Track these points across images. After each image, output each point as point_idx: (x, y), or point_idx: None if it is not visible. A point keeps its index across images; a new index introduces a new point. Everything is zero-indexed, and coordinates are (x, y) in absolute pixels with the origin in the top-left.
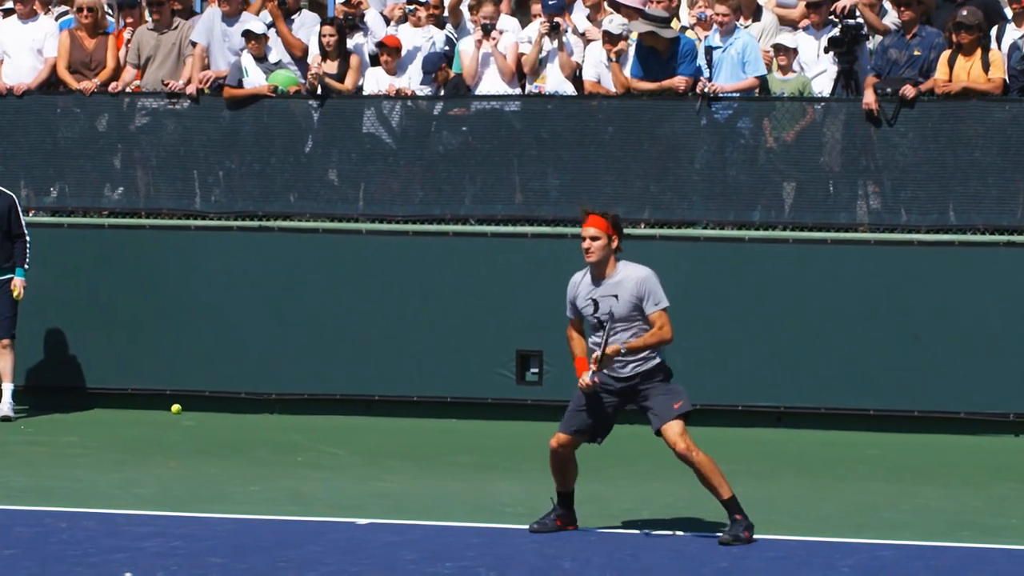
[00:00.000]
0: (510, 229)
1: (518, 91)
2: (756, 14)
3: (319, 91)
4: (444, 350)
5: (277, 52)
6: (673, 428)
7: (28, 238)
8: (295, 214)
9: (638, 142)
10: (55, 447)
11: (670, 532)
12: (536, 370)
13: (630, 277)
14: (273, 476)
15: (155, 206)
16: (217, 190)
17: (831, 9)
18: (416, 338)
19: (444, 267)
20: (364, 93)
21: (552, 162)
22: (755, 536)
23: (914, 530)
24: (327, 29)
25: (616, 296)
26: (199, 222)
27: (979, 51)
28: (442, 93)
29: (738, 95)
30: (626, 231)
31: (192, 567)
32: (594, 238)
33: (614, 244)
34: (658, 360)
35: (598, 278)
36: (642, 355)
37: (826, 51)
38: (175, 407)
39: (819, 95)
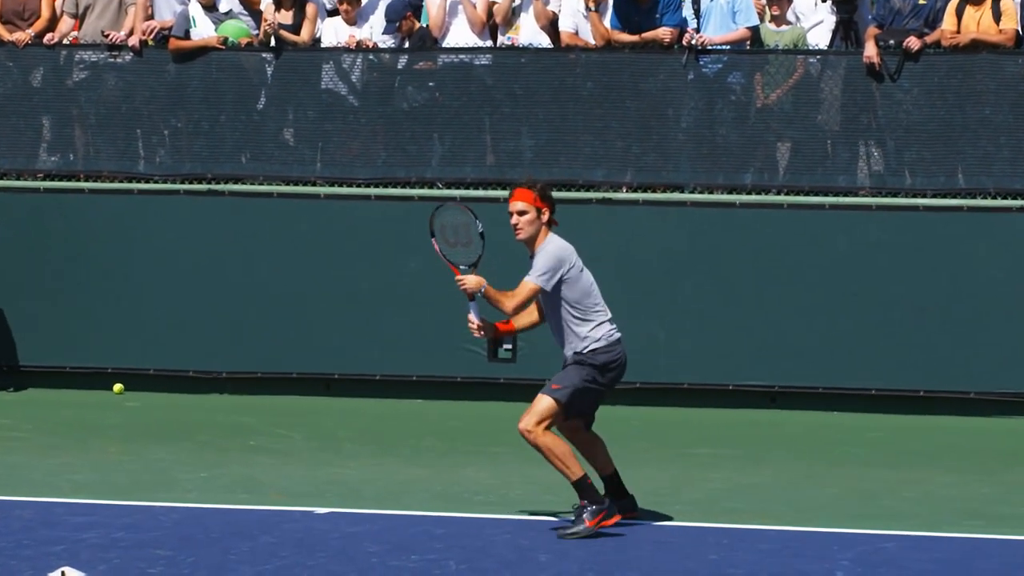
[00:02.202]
0: (481, 193)
1: (489, 43)
2: None
3: (272, 43)
4: (409, 325)
5: (227, 1)
6: (536, 403)
7: None
8: (247, 177)
9: (619, 99)
10: None
11: (655, 522)
12: (509, 347)
13: (541, 250)
14: (223, 462)
15: (94, 168)
16: (162, 151)
17: None
18: (379, 312)
19: (409, 234)
20: (322, 45)
21: (526, 120)
22: (612, 520)
23: (918, 519)
24: None
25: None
26: (142, 186)
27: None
28: (407, 45)
29: (728, 48)
30: (607, 195)
31: (136, 560)
32: (521, 212)
33: (544, 217)
34: (589, 347)
35: (530, 255)
36: (572, 337)
37: (823, 0)
38: (117, 387)
39: (816, 48)
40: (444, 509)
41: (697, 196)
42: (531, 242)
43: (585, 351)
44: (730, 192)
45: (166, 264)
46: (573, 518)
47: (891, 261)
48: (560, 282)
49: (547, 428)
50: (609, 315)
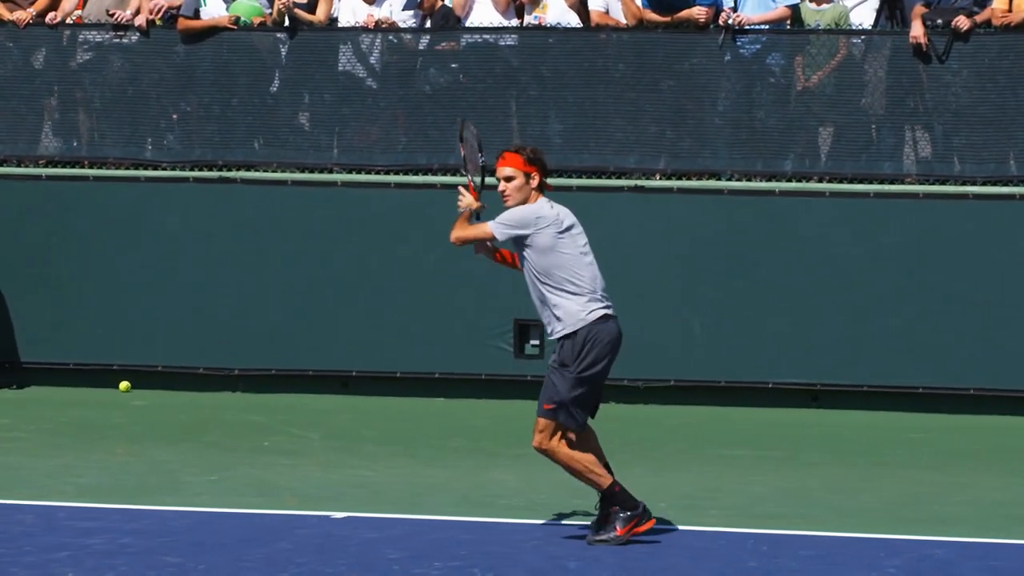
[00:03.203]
0: None
1: (515, 23)
2: None
3: (287, 23)
4: (431, 319)
5: None
6: (537, 421)
7: None
8: (260, 164)
9: (653, 81)
10: None
11: (691, 527)
12: (536, 342)
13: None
14: (235, 463)
15: (99, 154)
16: (170, 136)
17: None
18: (399, 306)
19: (431, 224)
20: (339, 25)
21: (554, 104)
22: (645, 526)
23: (968, 525)
24: None
25: None
26: (150, 173)
27: None
28: (428, 25)
29: (767, 27)
30: (640, 182)
31: (143, 567)
32: (508, 178)
33: (533, 182)
34: (568, 331)
35: None
36: (546, 314)
37: None
38: (123, 384)
39: (860, 27)
40: (469, 514)
41: (734, 183)
42: None
43: (559, 335)
44: (769, 179)
45: (174, 255)
46: (596, 517)
47: (939, 252)
48: (525, 245)
49: (561, 439)
50: (595, 294)
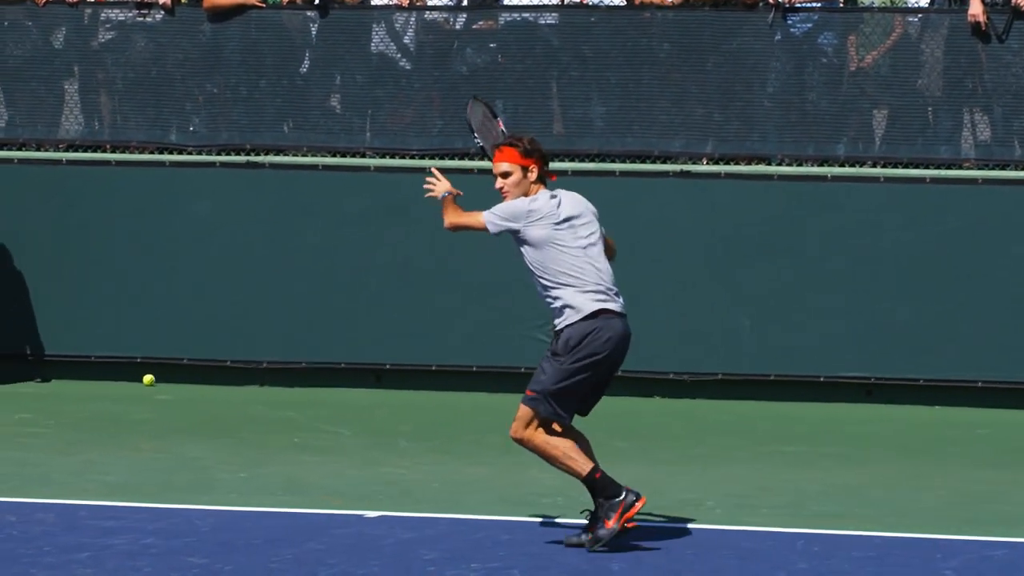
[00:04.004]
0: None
1: (556, 1)
2: None
3: (318, 1)
4: (468, 311)
5: None
6: (519, 410)
7: None
8: (289, 147)
9: (699, 62)
10: (3, 426)
11: (740, 527)
12: None
13: None
14: (264, 460)
15: (122, 138)
16: (196, 119)
17: None
18: (435, 296)
19: (469, 210)
20: (372, 3)
21: (597, 86)
22: (635, 508)
23: None
24: None
25: None
26: (175, 157)
27: None
28: (465, 3)
29: (819, 5)
30: (686, 167)
31: (168, 568)
32: (505, 174)
33: (532, 175)
34: (567, 323)
35: None
36: (546, 305)
37: None
38: (147, 378)
39: (916, 5)
40: (508, 513)
41: (785, 168)
42: None
43: (558, 327)
44: (821, 164)
45: (200, 243)
46: (587, 522)
47: (999, 240)
48: (519, 239)
49: (538, 428)
50: (599, 288)
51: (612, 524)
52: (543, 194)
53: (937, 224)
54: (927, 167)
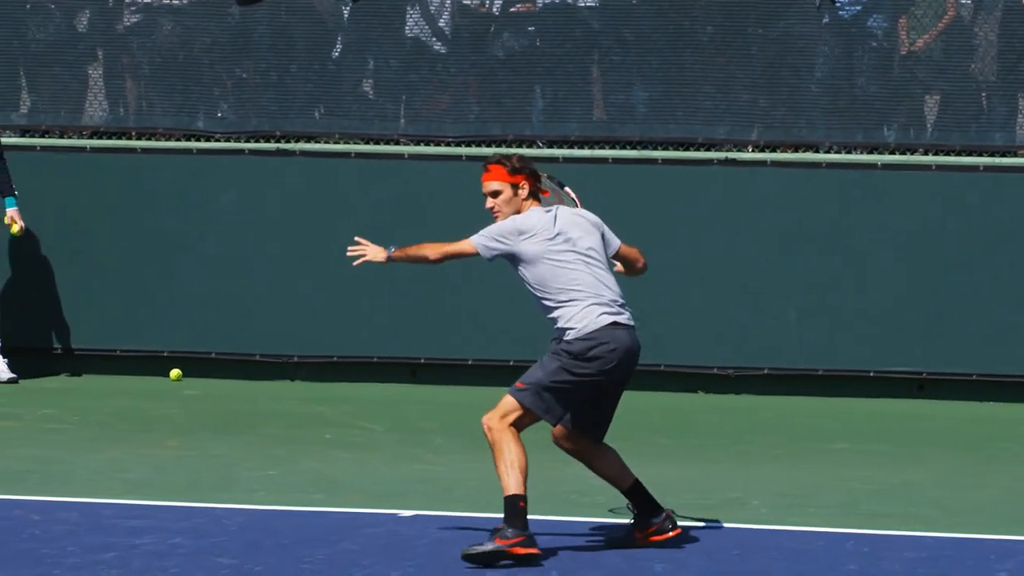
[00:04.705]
0: (587, 153)
1: None
2: None
3: None
4: (504, 304)
5: None
6: (502, 400)
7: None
8: (321, 134)
9: (744, 46)
10: (26, 422)
11: (786, 527)
12: None
13: None
14: (295, 457)
15: (148, 125)
16: (224, 105)
17: None
18: (470, 289)
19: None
20: None
21: (638, 70)
22: (526, 551)
23: None
24: None
25: None
26: (202, 144)
27: None
28: None
29: None
30: (730, 155)
31: (196, 569)
32: (495, 193)
33: (522, 192)
34: (574, 337)
35: None
36: (549, 321)
37: None
38: (174, 372)
39: None
40: (546, 512)
41: (833, 156)
42: None
43: (562, 337)
44: (871, 152)
45: (229, 233)
46: (633, 516)
47: None
48: (514, 259)
49: (511, 425)
50: (601, 300)
51: (501, 543)
52: (536, 210)
53: (990, 214)
54: (980, 155)
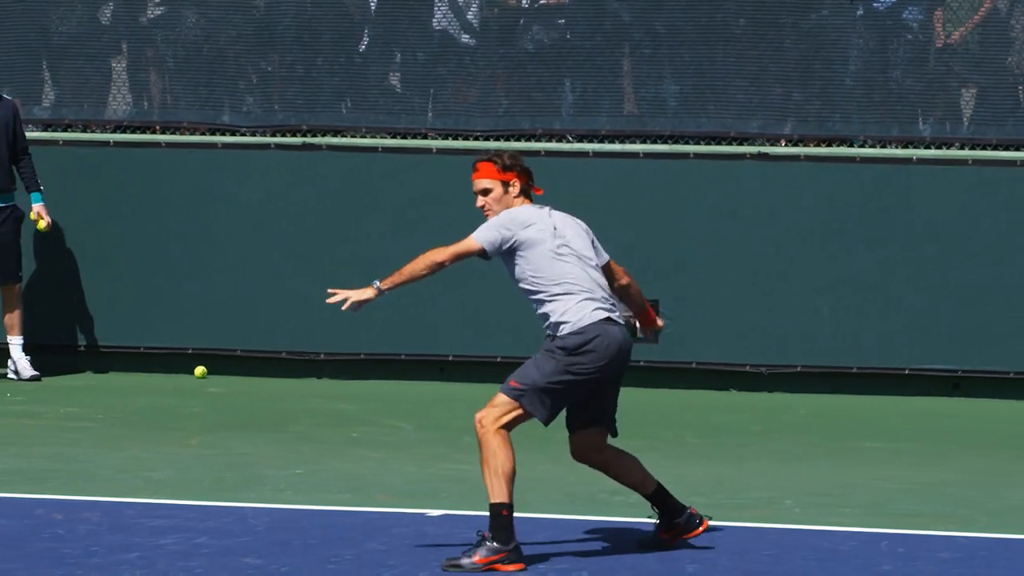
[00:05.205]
0: (617, 147)
1: None
2: None
3: None
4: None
5: None
6: (496, 397)
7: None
8: (348, 129)
9: (777, 38)
10: (49, 419)
11: (819, 527)
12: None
13: None
14: (321, 456)
15: (172, 119)
16: (250, 99)
17: None
18: (500, 285)
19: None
20: None
21: (669, 63)
22: (510, 567)
23: None
24: None
25: None
26: (227, 139)
27: None
28: None
29: None
30: (763, 149)
31: (221, 569)
32: (485, 191)
33: (513, 189)
34: (568, 332)
35: None
36: (541, 317)
37: None
38: (199, 370)
39: None
40: (577, 511)
41: (867, 150)
42: None
43: (555, 333)
44: (905, 146)
45: (254, 229)
46: (656, 522)
47: None
48: (513, 250)
49: (503, 427)
50: (593, 295)
51: (479, 561)
52: (530, 206)
53: None
54: (1018, 149)
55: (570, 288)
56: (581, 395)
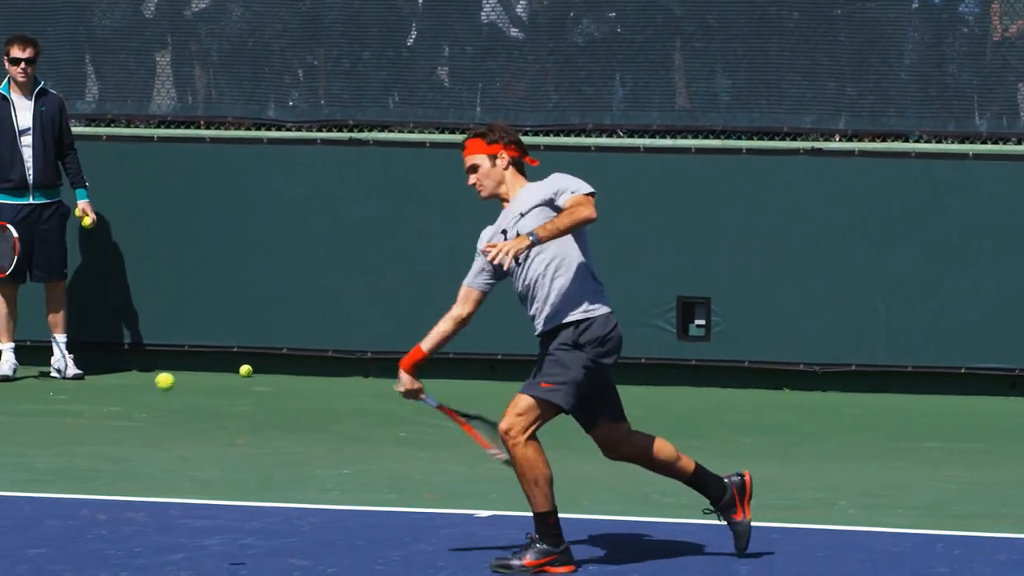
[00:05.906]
0: (669, 143)
1: None
2: None
3: None
4: None
5: None
6: (520, 401)
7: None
8: (395, 124)
9: (831, 32)
10: (93, 419)
11: (874, 528)
12: (703, 322)
13: (536, 184)
14: (369, 456)
15: (217, 113)
16: (295, 93)
17: None
18: None
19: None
20: None
21: (722, 57)
22: (561, 569)
23: None
24: None
25: (522, 213)
26: (273, 134)
27: None
28: None
29: None
30: (817, 144)
31: (267, 570)
32: (473, 168)
33: (501, 161)
34: (568, 318)
35: (503, 210)
36: (547, 306)
37: None
38: (244, 369)
39: None
40: (627, 512)
41: (923, 146)
42: (501, 196)
43: (581, 321)
44: (962, 141)
45: (300, 225)
46: (731, 527)
47: None
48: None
49: (532, 436)
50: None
51: (529, 564)
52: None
53: None
54: None
55: (594, 272)
56: (593, 384)
